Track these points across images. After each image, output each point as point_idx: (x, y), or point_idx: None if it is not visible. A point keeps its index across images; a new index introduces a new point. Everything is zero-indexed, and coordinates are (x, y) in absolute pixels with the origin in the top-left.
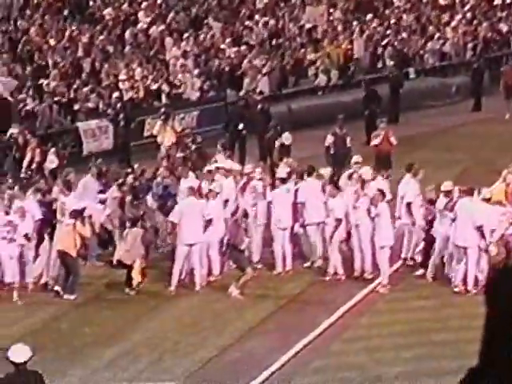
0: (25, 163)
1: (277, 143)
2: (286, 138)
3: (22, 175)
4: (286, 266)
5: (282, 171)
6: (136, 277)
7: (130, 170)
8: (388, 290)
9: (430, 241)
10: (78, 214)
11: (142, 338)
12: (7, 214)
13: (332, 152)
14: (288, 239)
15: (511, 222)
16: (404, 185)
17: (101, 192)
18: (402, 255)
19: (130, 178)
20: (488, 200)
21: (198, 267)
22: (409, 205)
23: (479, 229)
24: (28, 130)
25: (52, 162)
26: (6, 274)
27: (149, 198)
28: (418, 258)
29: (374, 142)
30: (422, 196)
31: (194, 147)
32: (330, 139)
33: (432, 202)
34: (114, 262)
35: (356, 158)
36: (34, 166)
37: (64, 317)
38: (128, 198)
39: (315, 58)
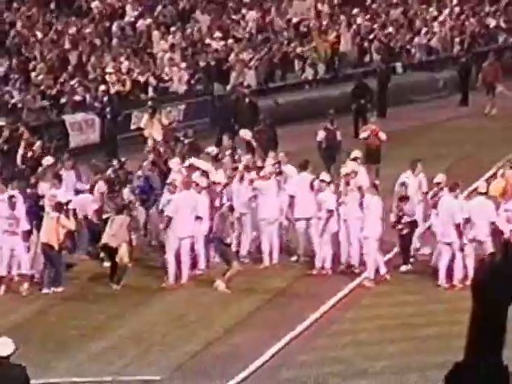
0: (19, 156)
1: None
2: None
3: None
4: (273, 259)
5: (270, 164)
6: (124, 257)
7: (111, 163)
8: (373, 284)
9: (408, 236)
10: (61, 207)
11: (129, 331)
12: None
13: (324, 146)
14: (276, 233)
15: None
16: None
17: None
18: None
19: (109, 171)
20: (484, 194)
21: (187, 260)
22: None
23: (457, 226)
24: (22, 123)
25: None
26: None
27: (126, 190)
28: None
29: (363, 135)
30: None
31: (186, 141)
32: (321, 134)
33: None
34: (100, 246)
35: (355, 153)
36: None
37: (50, 310)
38: (104, 190)
39: (302, 52)
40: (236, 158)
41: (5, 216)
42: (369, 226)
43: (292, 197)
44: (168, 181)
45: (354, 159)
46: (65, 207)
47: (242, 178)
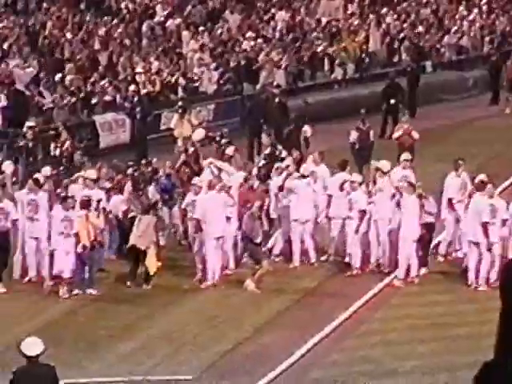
0: (51, 155)
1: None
2: (305, 131)
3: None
4: (311, 259)
5: (307, 165)
6: (152, 263)
7: (130, 163)
8: (403, 284)
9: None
10: (88, 204)
11: (158, 331)
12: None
13: (357, 147)
14: (310, 233)
15: None
16: (449, 180)
17: None
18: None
19: (129, 170)
20: None
21: (217, 261)
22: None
23: (484, 226)
24: (62, 122)
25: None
26: (59, 267)
27: (151, 189)
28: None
29: (396, 134)
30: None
31: (223, 141)
32: (354, 135)
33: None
34: (128, 247)
35: (405, 156)
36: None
37: (80, 310)
38: (129, 189)
39: (331, 52)
40: (277, 153)
41: (60, 218)
42: (406, 226)
43: (330, 196)
44: (194, 181)
45: (405, 161)
46: (96, 206)
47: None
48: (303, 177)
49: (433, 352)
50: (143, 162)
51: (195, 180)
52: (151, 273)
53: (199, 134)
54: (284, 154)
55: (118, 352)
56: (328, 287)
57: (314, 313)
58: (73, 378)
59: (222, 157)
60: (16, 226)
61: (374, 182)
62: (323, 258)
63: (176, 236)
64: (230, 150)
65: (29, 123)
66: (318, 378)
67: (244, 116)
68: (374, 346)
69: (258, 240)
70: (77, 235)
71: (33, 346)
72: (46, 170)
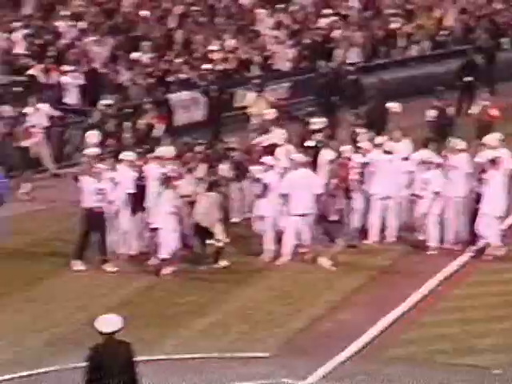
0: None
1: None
2: (393, 106)
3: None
4: (391, 237)
5: (388, 142)
6: (221, 236)
7: (201, 141)
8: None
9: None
10: (170, 181)
11: (235, 308)
12: None
13: (436, 125)
14: (392, 210)
15: None
16: None
17: None
18: None
19: (198, 148)
20: None
21: (291, 238)
22: None
23: None
24: (152, 101)
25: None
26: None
27: (223, 167)
28: None
29: (474, 111)
30: None
31: (306, 119)
32: (432, 113)
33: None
34: (192, 224)
35: (497, 136)
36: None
37: (158, 286)
38: (203, 166)
39: (407, 29)
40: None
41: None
42: (489, 202)
43: (411, 173)
44: (292, 157)
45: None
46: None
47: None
48: (386, 153)
49: (510, 330)
50: (216, 139)
51: (293, 156)
52: (220, 250)
53: (270, 113)
54: (363, 131)
55: (194, 328)
56: (403, 265)
57: (389, 290)
58: (149, 355)
59: (307, 135)
60: (113, 205)
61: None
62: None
63: (244, 213)
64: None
65: (105, 101)
66: (394, 356)
67: (318, 94)
68: (451, 323)
69: (333, 218)
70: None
71: (109, 323)
72: (128, 155)
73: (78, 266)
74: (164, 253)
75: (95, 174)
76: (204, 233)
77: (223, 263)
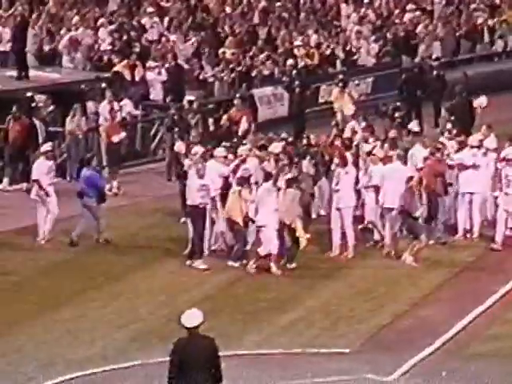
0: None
1: (477, 107)
2: (481, 101)
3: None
4: (474, 233)
5: (475, 138)
6: (301, 235)
7: (285, 137)
8: None
9: None
10: (244, 181)
11: (317, 304)
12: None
13: None
14: (478, 205)
15: None
16: None
17: None
18: None
19: (275, 146)
20: None
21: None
22: None
23: None
24: (238, 97)
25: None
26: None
27: (305, 163)
28: None
29: None
30: None
31: (397, 114)
32: None
33: None
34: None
35: None
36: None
37: (239, 282)
38: (284, 162)
39: (491, 24)
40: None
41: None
42: None
43: (497, 170)
44: (374, 152)
45: None
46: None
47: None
48: (473, 148)
49: None
50: (299, 135)
51: (376, 150)
52: (301, 247)
53: (350, 109)
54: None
55: (276, 324)
56: (487, 261)
57: (472, 286)
58: (232, 350)
59: (399, 131)
60: (214, 202)
61: None
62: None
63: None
64: (413, 125)
65: (189, 97)
66: (477, 352)
67: (402, 89)
68: None
69: (417, 214)
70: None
71: (192, 318)
72: (221, 151)
73: (201, 264)
74: (266, 250)
75: (198, 170)
76: (288, 230)
77: (291, 266)
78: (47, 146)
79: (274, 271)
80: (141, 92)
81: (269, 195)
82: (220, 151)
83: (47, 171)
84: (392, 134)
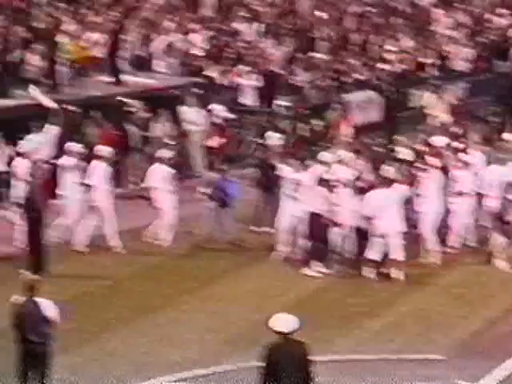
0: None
1: None
2: None
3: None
4: None
5: None
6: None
7: (379, 142)
8: None
9: None
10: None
11: (407, 310)
12: None
13: None
14: None
15: None
16: None
17: None
18: None
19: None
20: None
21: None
22: None
23: None
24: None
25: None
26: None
27: (386, 168)
28: None
29: None
30: None
31: (493, 119)
32: None
33: None
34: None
35: None
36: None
37: (331, 287)
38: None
39: None
40: None
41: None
42: None
43: None
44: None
45: None
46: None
47: None
48: None
49: None
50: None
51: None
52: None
53: (446, 115)
54: None
55: (367, 329)
56: None
57: None
58: (323, 355)
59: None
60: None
61: None
62: None
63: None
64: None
65: (282, 102)
66: None
67: (497, 94)
68: None
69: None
70: None
71: (285, 322)
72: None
73: (319, 268)
74: (399, 255)
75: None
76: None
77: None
78: (166, 153)
79: (394, 275)
80: (232, 97)
81: (391, 202)
82: (324, 155)
83: (164, 177)
84: (476, 138)
